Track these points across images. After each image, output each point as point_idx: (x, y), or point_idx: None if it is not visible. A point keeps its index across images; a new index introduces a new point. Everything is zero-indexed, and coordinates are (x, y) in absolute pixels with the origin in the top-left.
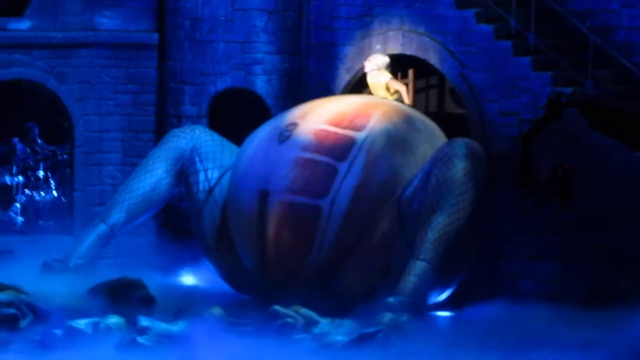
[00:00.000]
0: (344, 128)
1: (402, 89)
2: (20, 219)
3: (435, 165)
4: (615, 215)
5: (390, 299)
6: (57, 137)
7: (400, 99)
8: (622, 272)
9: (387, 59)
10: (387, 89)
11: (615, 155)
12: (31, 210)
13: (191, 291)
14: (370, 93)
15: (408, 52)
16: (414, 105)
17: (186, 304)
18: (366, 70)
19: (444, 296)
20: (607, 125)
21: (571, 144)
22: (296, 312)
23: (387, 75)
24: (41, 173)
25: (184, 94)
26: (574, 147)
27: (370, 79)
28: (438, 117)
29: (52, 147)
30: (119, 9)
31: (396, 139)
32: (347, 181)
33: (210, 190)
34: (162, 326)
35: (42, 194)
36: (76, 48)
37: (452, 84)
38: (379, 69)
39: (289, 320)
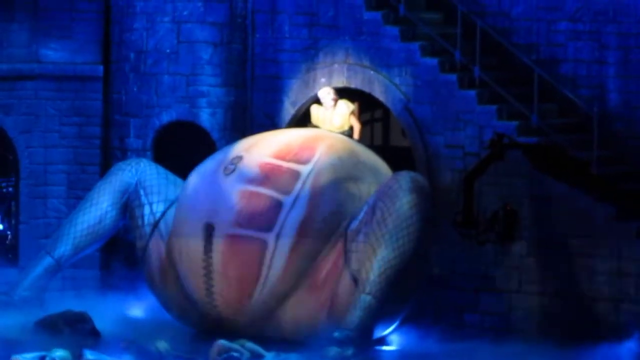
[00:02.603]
0: (289, 161)
1: (357, 126)
2: None
3: (380, 198)
4: (560, 246)
5: (336, 333)
6: (2, 169)
7: (348, 133)
8: (568, 304)
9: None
10: (347, 119)
11: (559, 187)
12: None
13: (137, 324)
14: (314, 127)
15: (353, 86)
16: (360, 139)
17: (132, 337)
18: (324, 100)
19: (389, 330)
20: (549, 166)
21: (515, 175)
22: (242, 345)
23: (351, 105)
24: None
25: (129, 126)
26: (518, 179)
27: (323, 110)
28: (383, 150)
29: None
30: (64, 41)
31: (341, 173)
32: (292, 214)
33: (156, 223)
34: None
35: None
36: (21, 80)
37: (397, 117)
38: (337, 99)
39: (235, 354)
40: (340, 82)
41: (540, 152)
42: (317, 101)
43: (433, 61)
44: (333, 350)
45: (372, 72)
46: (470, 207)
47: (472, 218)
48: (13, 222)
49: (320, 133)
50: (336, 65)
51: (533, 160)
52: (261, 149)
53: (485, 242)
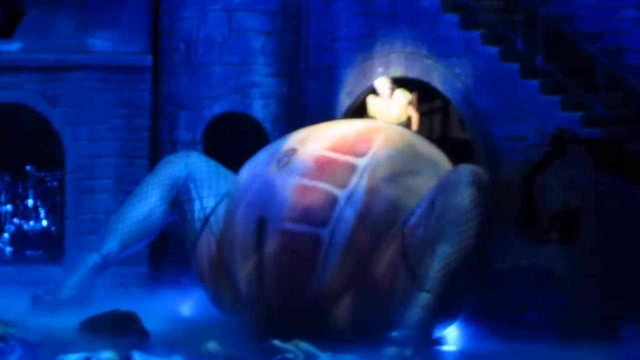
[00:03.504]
0: (345, 154)
1: (415, 116)
2: (9, 248)
3: (439, 192)
4: (624, 243)
5: (394, 333)
6: (48, 163)
7: (406, 125)
8: (632, 304)
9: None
10: (404, 110)
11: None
12: (20, 239)
13: (187, 324)
14: (370, 118)
15: (411, 75)
16: (418, 130)
17: (181, 338)
18: (380, 90)
19: (449, 329)
20: (613, 162)
21: (579, 167)
22: (295, 346)
23: (408, 95)
24: (30, 201)
25: (178, 118)
26: (582, 171)
27: (379, 101)
28: (442, 142)
29: (42, 174)
30: (111, 30)
31: (399, 166)
32: (347, 209)
33: (206, 219)
34: None
35: (32, 222)
36: (68, 71)
37: (456, 108)
38: (394, 89)
39: (288, 355)
40: (398, 72)
41: (604, 147)
42: (374, 92)
43: (494, 50)
44: (391, 351)
45: (430, 61)
46: (531, 206)
47: (533, 218)
48: (58, 218)
49: (377, 125)
50: (393, 55)
51: (596, 156)
52: (316, 142)
53: (546, 241)
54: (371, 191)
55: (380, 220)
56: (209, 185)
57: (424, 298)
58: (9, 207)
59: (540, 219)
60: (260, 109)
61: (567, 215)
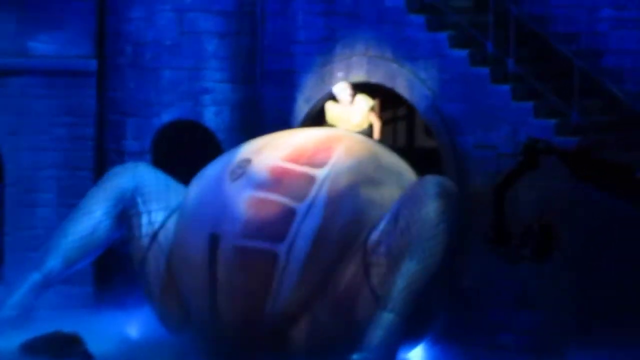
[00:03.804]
0: (303, 164)
1: (377, 123)
2: None
3: (404, 205)
4: (603, 259)
5: (355, 355)
6: None
7: (368, 133)
8: (611, 322)
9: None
10: (366, 117)
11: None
12: None
13: (134, 345)
14: (330, 126)
15: (374, 80)
16: (381, 139)
17: None
18: (340, 96)
19: (415, 351)
20: (591, 173)
21: (554, 177)
22: None
23: (370, 101)
24: None
25: (125, 127)
26: (558, 182)
27: (339, 107)
28: (407, 151)
29: None
30: (55, 32)
31: (361, 177)
32: (306, 223)
33: (155, 234)
34: None
35: None
36: (7, 76)
37: (422, 115)
38: (354, 94)
39: None
40: (360, 77)
41: (579, 157)
42: (334, 98)
43: (462, 53)
44: None
45: (394, 65)
46: (501, 221)
47: (503, 234)
48: None
49: (337, 133)
50: (355, 58)
51: (571, 167)
52: (272, 152)
53: (519, 260)
54: (331, 204)
55: (341, 235)
56: (158, 198)
57: (387, 318)
58: None
59: (511, 234)
60: (212, 117)
61: (540, 230)
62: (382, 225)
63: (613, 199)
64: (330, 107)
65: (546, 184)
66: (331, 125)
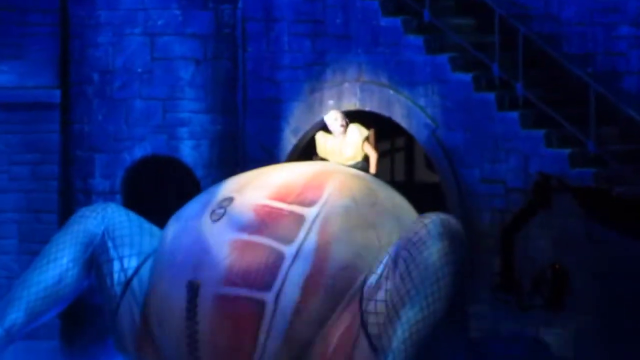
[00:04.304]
0: (291, 203)
1: (374, 155)
2: None
3: (404, 247)
4: (623, 304)
5: None
6: None
7: (363, 166)
8: None
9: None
10: (360, 149)
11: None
12: None
13: None
14: (320, 159)
15: (368, 108)
16: (377, 173)
17: None
18: (332, 126)
19: None
20: (610, 213)
21: (571, 215)
22: None
23: (364, 131)
24: None
25: (93, 164)
26: (574, 219)
27: (331, 139)
28: (406, 187)
29: None
30: (13, 61)
31: (356, 216)
32: (295, 268)
33: (128, 282)
34: None
35: None
36: None
37: (422, 147)
38: (347, 124)
39: None
40: (352, 105)
41: (596, 195)
42: (324, 128)
43: (466, 77)
44: None
45: (391, 91)
46: (510, 267)
47: (513, 281)
48: None
49: (329, 167)
50: (347, 84)
51: (587, 204)
52: (256, 189)
53: (529, 308)
54: (323, 247)
55: (334, 281)
56: (131, 242)
57: None
58: None
59: (521, 281)
60: (189, 151)
61: (553, 277)
62: (379, 270)
63: (633, 240)
64: (321, 139)
65: (560, 222)
66: (322, 159)
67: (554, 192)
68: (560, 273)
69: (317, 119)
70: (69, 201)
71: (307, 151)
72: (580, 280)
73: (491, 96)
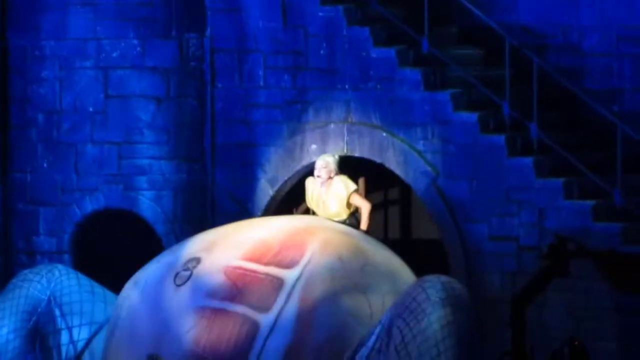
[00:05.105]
0: (268, 264)
1: (366, 207)
2: None
3: (399, 315)
4: None
5: None
6: None
7: (350, 222)
8: None
9: (336, 159)
10: (347, 204)
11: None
12: None
13: None
14: (306, 211)
15: (357, 154)
16: (369, 229)
17: None
18: (319, 172)
19: None
20: (632, 281)
21: (594, 278)
22: None
23: (351, 185)
24: None
25: (37, 219)
26: (599, 283)
27: (315, 191)
28: (402, 245)
29: None
30: None
31: (343, 279)
32: (273, 341)
33: (78, 357)
34: None
35: None
36: None
37: (421, 198)
38: (334, 174)
39: None
40: (339, 150)
41: (621, 260)
42: (307, 176)
43: (471, 117)
44: None
45: (384, 134)
46: (521, 342)
47: (525, 353)
48: None
49: (312, 223)
50: (332, 126)
51: (611, 269)
52: (227, 249)
53: None
54: (305, 316)
55: (319, 355)
56: (81, 310)
57: None
58: None
59: (534, 355)
60: (149, 204)
61: (571, 355)
62: (371, 342)
63: None
64: (309, 185)
65: (581, 285)
66: (308, 210)
67: (571, 257)
68: (580, 350)
69: (298, 167)
70: (9, 262)
71: (286, 204)
72: (604, 357)
73: (501, 139)
